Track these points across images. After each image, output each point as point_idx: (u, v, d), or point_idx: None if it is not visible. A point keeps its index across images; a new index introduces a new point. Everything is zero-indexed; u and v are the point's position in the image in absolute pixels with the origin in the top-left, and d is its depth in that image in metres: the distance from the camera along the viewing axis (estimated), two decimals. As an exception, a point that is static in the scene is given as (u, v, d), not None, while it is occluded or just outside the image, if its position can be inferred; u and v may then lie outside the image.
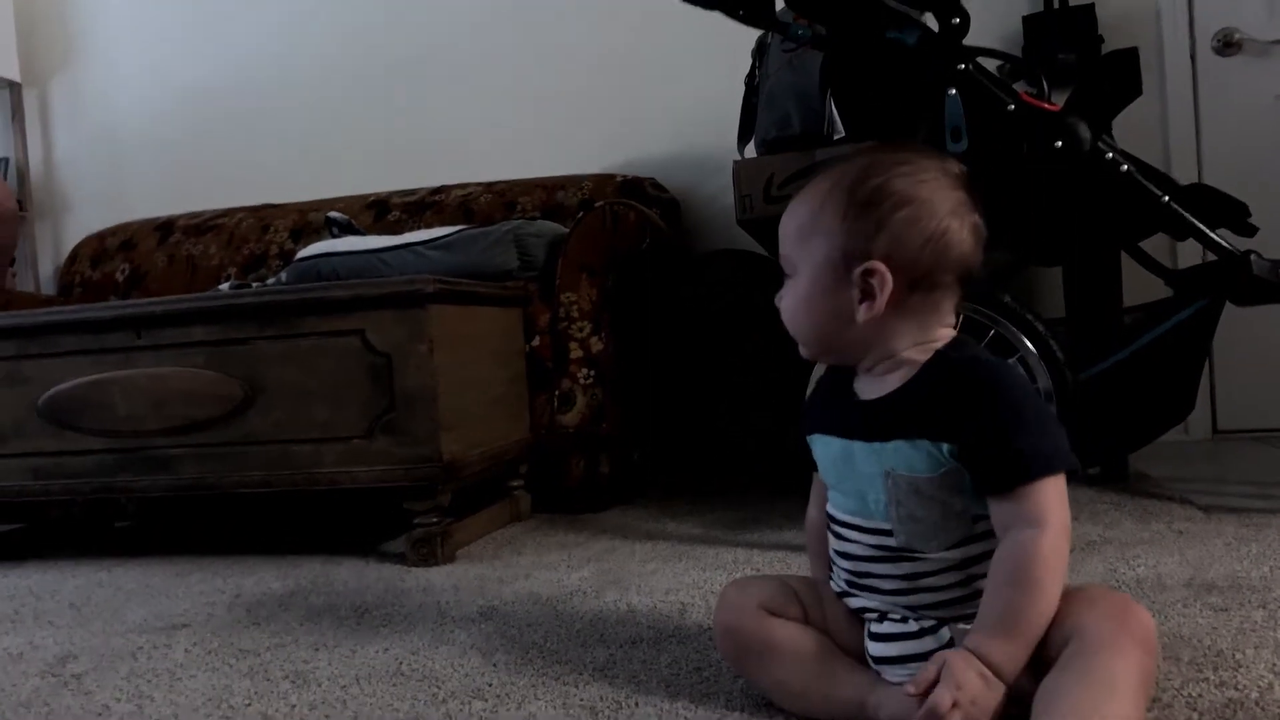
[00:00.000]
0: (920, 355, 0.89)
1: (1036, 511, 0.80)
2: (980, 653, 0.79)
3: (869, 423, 0.90)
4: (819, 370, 1.68)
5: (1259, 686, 0.93)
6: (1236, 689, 0.93)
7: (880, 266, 0.86)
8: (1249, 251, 1.60)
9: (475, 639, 1.28)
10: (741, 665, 0.98)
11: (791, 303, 0.93)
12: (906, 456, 0.86)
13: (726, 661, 1.03)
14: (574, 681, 1.08)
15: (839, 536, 0.94)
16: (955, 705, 0.76)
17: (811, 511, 1.05)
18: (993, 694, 0.78)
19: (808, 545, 1.07)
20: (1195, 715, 0.87)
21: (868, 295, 0.87)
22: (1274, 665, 0.98)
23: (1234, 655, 1.02)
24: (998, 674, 0.78)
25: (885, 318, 0.88)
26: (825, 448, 0.95)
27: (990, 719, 0.78)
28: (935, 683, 0.78)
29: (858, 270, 0.87)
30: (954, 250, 0.88)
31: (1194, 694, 0.92)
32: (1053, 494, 0.81)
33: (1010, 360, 1.55)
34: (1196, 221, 1.60)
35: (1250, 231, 1.66)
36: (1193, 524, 1.66)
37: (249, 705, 1.08)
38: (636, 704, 1.00)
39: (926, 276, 0.88)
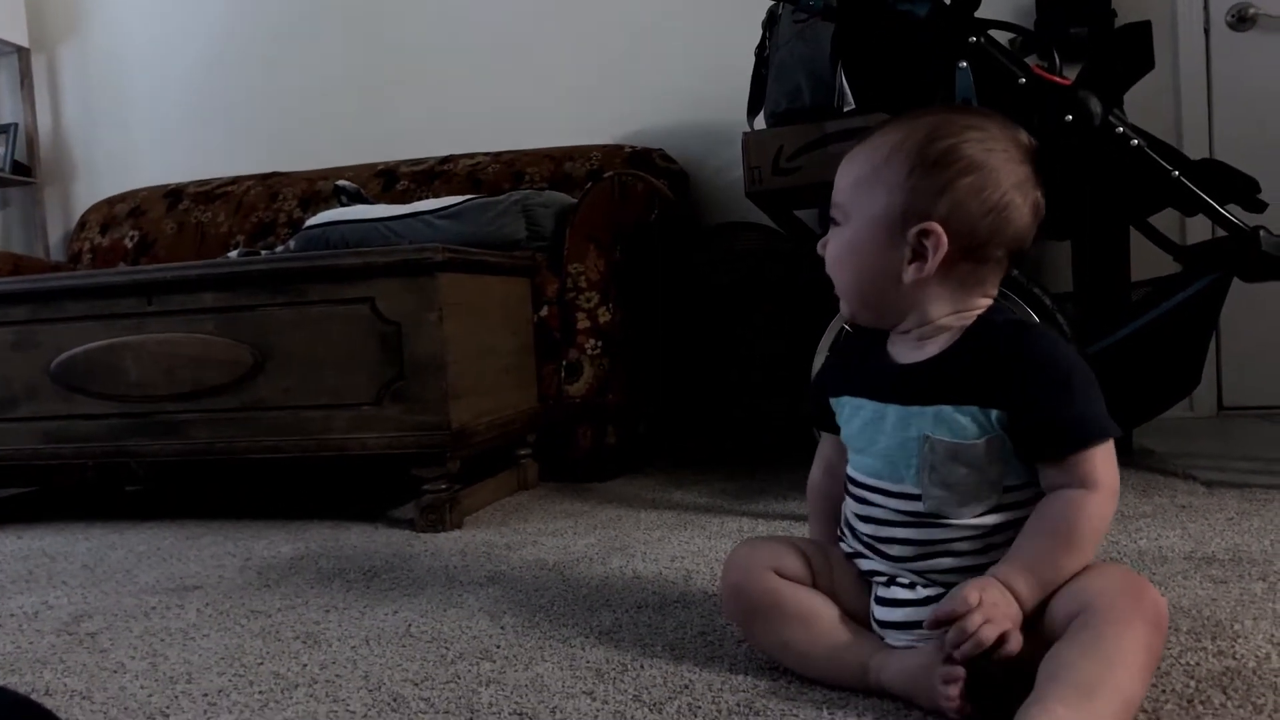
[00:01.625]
0: (960, 321, 0.89)
1: (1090, 476, 0.82)
2: (1003, 579, 0.81)
3: (907, 387, 0.89)
4: (827, 339, 1.69)
5: (1256, 656, 0.95)
6: (1234, 658, 0.94)
7: (938, 228, 0.86)
8: (1258, 227, 1.59)
9: (483, 602, 1.30)
10: (747, 625, 0.99)
11: (838, 250, 0.92)
12: (950, 422, 0.86)
13: (732, 621, 1.05)
14: (580, 644, 1.10)
15: (861, 500, 0.94)
16: (980, 603, 0.77)
17: (815, 473, 1.06)
18: (1010, 607, 0.79)
19: (809, 507, 1.08)
20: (1193, 683, 0.89)
21: (919, 256, 0.87)
22: (1272, 636, 1.00)
23: (1233, 626, 1.03)
24: (1016, 599, 0.80)
25: (930, 281, 0.88)
26: (855, 410, 0.95)
27: (1006, 627, 0.78)
28: (951, 616, 0.79)
29: (914, 229, 0.86)
30: (1012, 225, 0.87)
31: (1192, 662, 0.94)
32: (1105, 459, 0.83)
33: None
34: (1206, 196, 1.60)
35: (1260, 207, 1.66)
36: (1195, 498, 1.67)
37: (261, 664, 1.10)
38: (642, 666, 1.01)
39: (981, 247, 0.87)
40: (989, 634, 0.77)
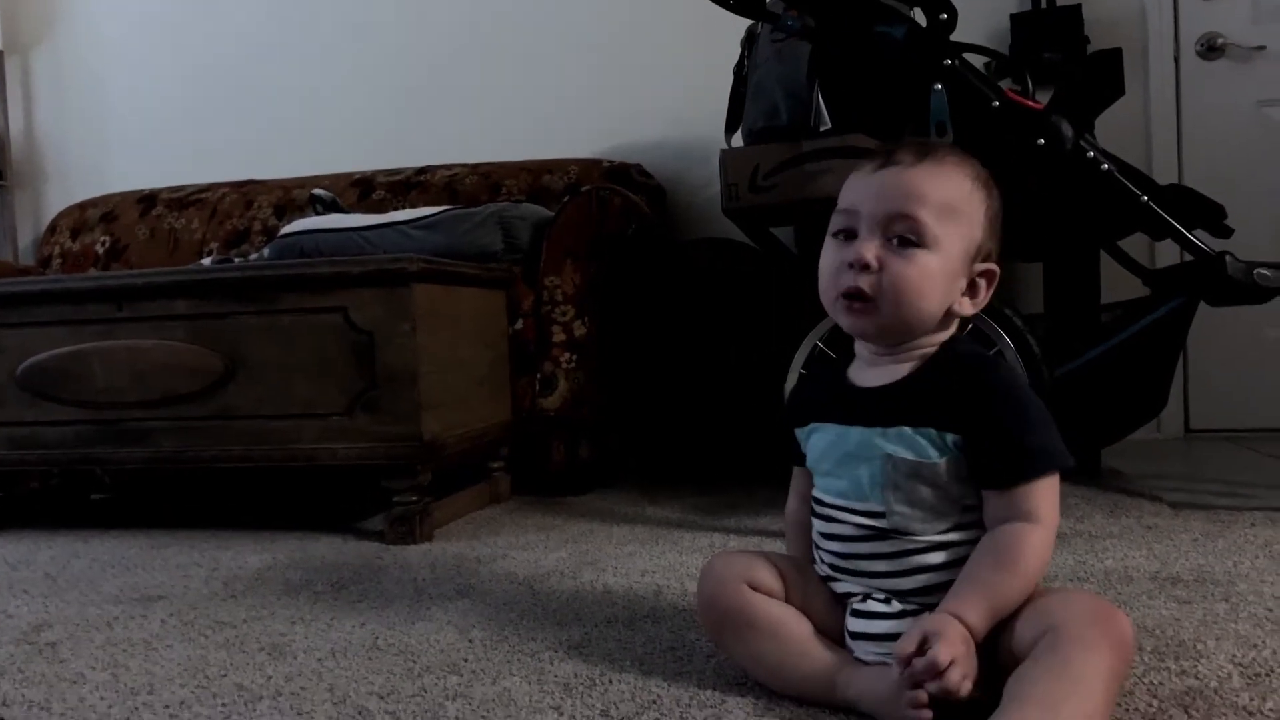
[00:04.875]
0: (931, 348, 0.93)
1: (1032, 508, 0.84)
2: (958, 615, 0.81)
3: (872, 408, 0.92)
4: (801, 356, 1.70)
5: (1218, 676, 0.96)
6: (1196, 678, 0.95)
7: (997, 270, 0.92)
8: (1224, 252, 1.62)
9: (451, 616, 1.29)
10: (719, 637, 0.99)
11: (919, 271, 0.88)
12: (910, 442, 0.88)
13: (705, 632, 1.05)
14: (549, 659, 1.09)
15: (827, 519, 0.96)
16: (953, 662, 0.78)
17: (792, 503, 1.07)
18: (971, 657, 0.80)
19: (787, 535, 1.09)
20: (1155, 702, 0.90)
21: (973, 291, 0.92)
22: (1234, 656, 1.01)
23: (1195, 646, 1.04)
24: (970, 631, 0.81)
25: (952, 313, 0.92)
26: (821, 435, 0.97)
27: (968, 672, 0.79)
28: (919, 647, 0.79)
29: (980, 266, 0.92)
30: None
31: (1155, 681, 0.95)
32: (1049, 493, 0.85)
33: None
34: (1173, 221, 1.62)
35: (1226, 233, 1.69)
36: (1161, 519, 1.69)
37: (225, 676, 1.09)
38: (610, 681, 1.01)
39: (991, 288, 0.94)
40: (955, 679, 0.78)
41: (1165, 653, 1.03)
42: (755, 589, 0.97)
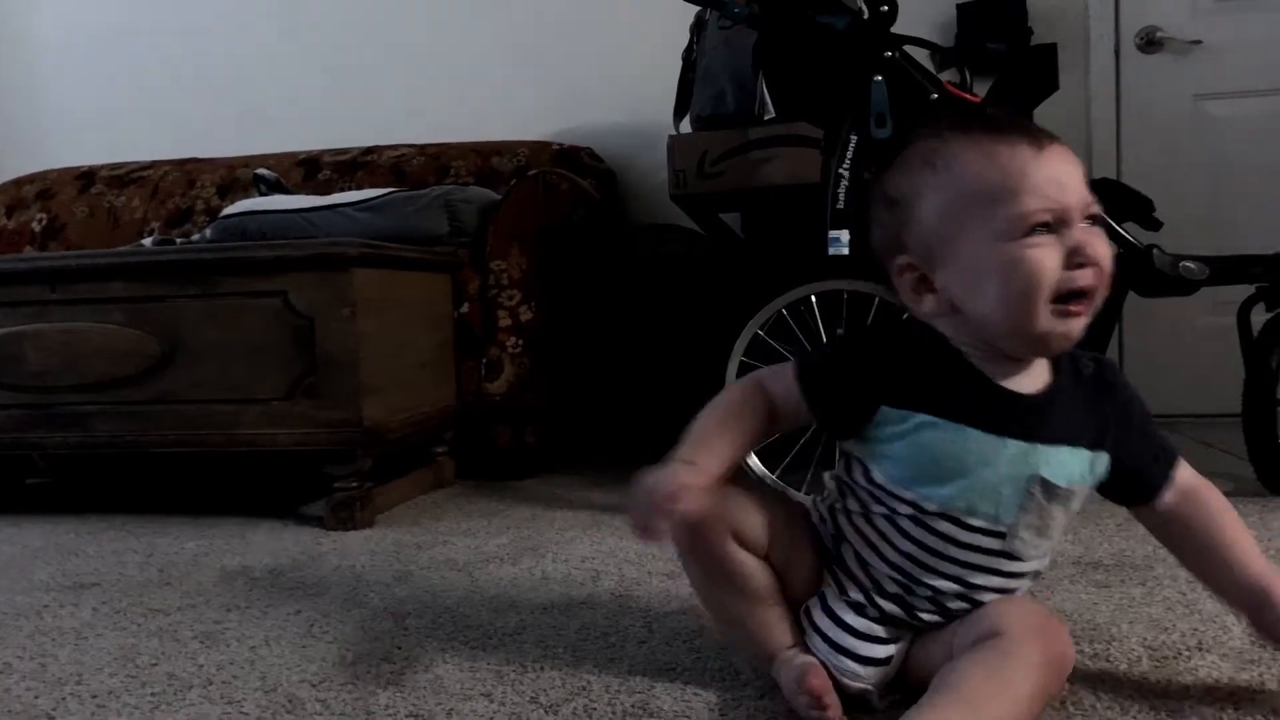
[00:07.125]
0: None
1: (1194, 474, 0.91)
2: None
3: (1028, 421, 0.83)
4: (741, 346, 1.71)
5: (1129, 659, 0.99)
6: (1108, 660, 0.99)
7: None
8: (1151, 246, 1.66)
9: (388, 603, 1.29)
10: (691, 569, 0.94)
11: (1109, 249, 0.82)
12: (1068, 463, 0.84)
13: (680, 557, 0.95)
14: (483, 645, 1.10)
15: (908, 534, 0.85)
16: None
17: (741, 394, 0.94)
18: None
19: (704, 420, 0.94)
20: (1067, 685, 0.92)
21: None
22: (1145, 639, 1.04)
23: (1109, 629, 1.08)
24: None
25: None
26: (940, 434, 0.83)
27: None
28: None
29: None
30: None
31: (1068, 665, 0.98)
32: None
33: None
34: (1104, 214, 1.66)
35: (1155, 225, 1.73)
36: (1090, 504, 1.72)
37: (155, 665, 1.08)
38: (542, 668, 1.02)
39: None
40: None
41: (1080, 636, 1.06)
42: (740, 540, 0.89)
